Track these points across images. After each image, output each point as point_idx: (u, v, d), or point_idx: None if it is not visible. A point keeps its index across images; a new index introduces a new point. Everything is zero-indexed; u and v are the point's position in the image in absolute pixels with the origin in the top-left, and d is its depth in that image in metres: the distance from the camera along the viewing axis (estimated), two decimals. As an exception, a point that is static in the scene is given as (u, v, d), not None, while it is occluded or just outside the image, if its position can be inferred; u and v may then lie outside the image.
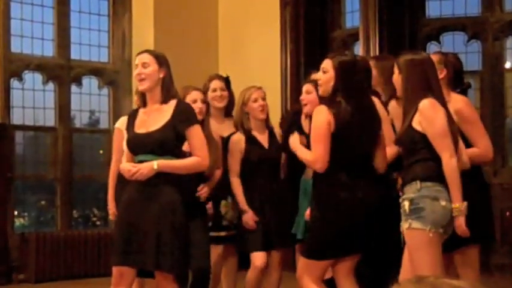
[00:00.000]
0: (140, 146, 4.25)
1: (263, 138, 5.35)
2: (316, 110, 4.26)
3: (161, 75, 4.26)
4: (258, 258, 5.23)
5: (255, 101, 5.30)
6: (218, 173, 5.24)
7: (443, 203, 3.84)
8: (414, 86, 3.97)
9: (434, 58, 4.46)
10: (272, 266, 5.33)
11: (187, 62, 8.22)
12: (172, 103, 4.26)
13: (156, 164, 4.12)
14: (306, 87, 5.11)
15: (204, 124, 5.02)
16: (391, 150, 4.36)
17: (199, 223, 4.97)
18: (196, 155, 4.23)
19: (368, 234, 4.19)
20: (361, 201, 4.13)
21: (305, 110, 5.06)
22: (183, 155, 4.31)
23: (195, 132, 4.25)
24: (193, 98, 5.08)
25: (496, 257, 7.40)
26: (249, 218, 5.20)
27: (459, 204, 3.83)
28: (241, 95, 5.40)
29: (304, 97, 5.08)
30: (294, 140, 4.50)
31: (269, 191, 5.27)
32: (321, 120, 4.14)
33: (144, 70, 4.25)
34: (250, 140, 5.32)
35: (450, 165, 3.83)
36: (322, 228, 4.17)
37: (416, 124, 3.92)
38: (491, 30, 8.40)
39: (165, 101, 4.26)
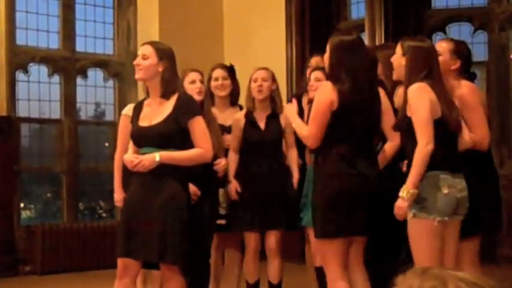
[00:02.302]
0: (143, 138, 4.26)
1: (261, 120, 5.37)
2: (321, 86, 4.26)
3: (160, 69, 4.25)
4: (250, 240, 5.30)
5: (255, 81, 5.36)
6: (233, 156, 5.32)
7: (445, 190, 3.85)
8: (414, 71, 3.97)
9: (448, 46, 4.45)
10: (270, 251, 5.34)
11: (193, 53, 8.21)
12: (175, 96, 4.26)
13: (158, 155, 4.12)
14: (315, 74, 5.11)
15: (204, 105, 5.04)
16: (394, 143, 4.33)
17: (205, 212, 5.00)
18: (199, 146, 4.23)
19: (370, 213, 4.15)
20: (362, 177, 4.10)
21: (312, 95, 5.03)
22: (187, 147, 4.31)
23: (197, 124, 4.25)
24: (192, 79, 5.14)
25: (503, 248, 7.39)
26: (232, 188, 5.27)
27: (411, 189, 3.82)
28: (249, 75, 5.47)
29: (313, 83, 5.04)
30: (291, 109, 4.50)
31: (265, 171, 5.28)
32: (323, 98, 4.13)
33: (142, 62, 4.26)
34: (249, 121, 5.37)
35: (423, 151, 3.82)
36: (324, 204, 4.12)
37: (408, 111, 3.93)
38: (498, 21, 8.36)
39: (164, 95, 4.25)
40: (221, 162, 5.16)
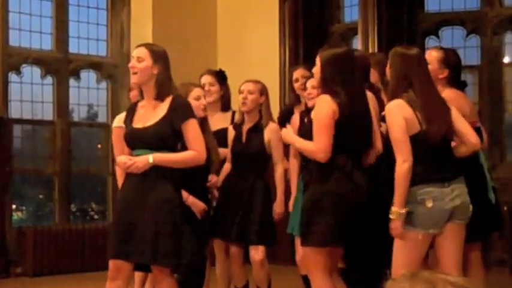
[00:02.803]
0: (137, 140, 4.26)
1: (243, 132, 5.36)
2: (319, 99, 4.24)
3: (155, 72, 4.25)
4: (232, 248, 5.32)
5: (241, 92, 5.34)
6: (226, 166, 5.30)
7: (429, 204, 3.88)
8: (397, 82, 4.01)
9: (437, 55, 4.47)
10: (254, 264, 5.28)
11: (186, 56, 8.21)
12: (169, 99, 4.25)
13: (151, 157, 4.12)
14: (311, 82, 5.10)
15: (204, 120, 5.04)
16: (374, 150, 4.35)
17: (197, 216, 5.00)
18: (192, 148, 4.23)
19: (361, 221, 4.15)
20: (359, 189, 4.12)
21: (311, 104, 5.02)
22: (180, 150, 4.31)
23: (191, 127, 4.24)
24: (197, 95, 5.08)
25: (494, 252, 7.40)
26: (212, 196, 5.27)
27: (398, 209, 3.86)
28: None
29: (310, 91, 5.02)
30: (288, 133, 4.49)
31: (245, 184, 5.25)
32: (325, 109, 4.12)
33: (137, 64, 4.25)
34: (236, 132, 5.38)
35: (401, 170, 3.87)
36: (316, 210, 4.12)
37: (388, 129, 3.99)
38: (490, 25, 8.39)
39: (158, 97, 4.25)
40: (213, 179, 5.15)
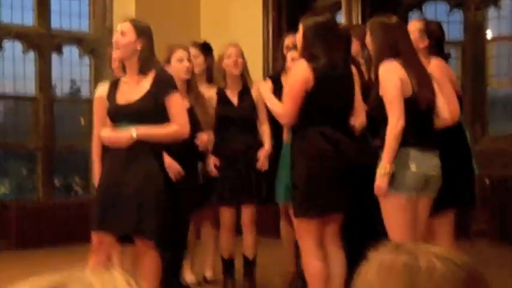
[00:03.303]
0: (121, 116, 4.25)
1: (234, 96, 5.38)
2: (295, 64, 4.28)
3: (138, 47, 4.23)
4: (226, 215, 5.33)
5: (229, 57, 5.34)
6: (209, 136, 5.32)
7: (413, 167, 3.90)
8: (382, 51, 4.01)
9: (417, 25, 4.49)
10: (245, 226, 5.37)
11: (169, 30, 8.15)
12: (152, 74, 4.24)
13: (134, 131, 4.11)
14: (291, 54, 5.12)
15: (191, 82, 5.05)
16: (360, 119, 4.38)
17: (185, 186, 5.03)
18: (176, 122, 4.23)
19: (349, 190, 4.19)
20: (343, 154, 4.14)
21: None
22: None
23: (175, 101, 4.24)
24: (180, 56, 5.11)
25: (475, 223, 7.48)
26: (210, 163, 5.28)
27: (388, 165, 3.86)
28: (220, 51, 5.45)
29: (290, 64, 5.05)
30: (265, 87, 4.51)
31: (239, 147, 5.30)
32: (298, 76, 4.15)
33: (120, 39, 4.23)
34: (221, 98, 5.38)
35: (394, 128, 3.87)
36: (306, 182, 4.15)
37: (380, 90, 3.97)
38: (474, 0, 8.39)
39: (142, 72, 4.24)
40: (202, 137, 5.16)
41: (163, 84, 4.24)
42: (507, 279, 4.98)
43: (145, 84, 4.23)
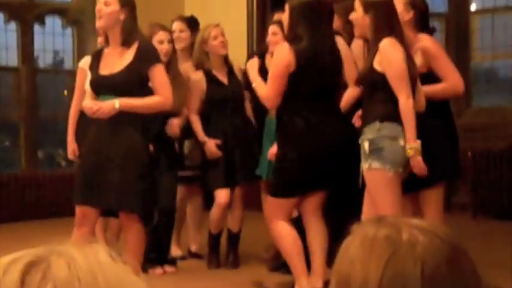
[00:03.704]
0: (103, 87, 4.23)
1: (223, 76, 5.37)
2: (278, 47, 4.30)
3: (121, 17, 4.20)
4: (221, 195, 5.29)
5: (215, 38, 5.31)
6: (186, 111, 5.28)
7: (402, 142, 3.90)
8: (380, 27, 3.99)
9: None
10: (234, 203, 5.39)
11: (153, 5, 8.10)
12: (135, 45, 4.22)
13: (117, 102, 4.09)
14: (272, 28, 5.15)
15: (171, 64, 5.03)
16: (353, 91, 4.40)
17: (165, 163, 5.03)
18: (159, 94, 4.21)
19: (332, 170, 4.23)
20: (324, 136, 4.16)
21: (271, 49, 5.06)
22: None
23: (158, 72, 4.22)
24: (160, 39, 5.10)
25: (457, 196, 7.54)
26: (211, 146, 5.24)
27: (415, 144, 3.86)
28: (200, 34, 5.41)
29: (270, 38, 5.11)
30: (252, 66, 4.51)
31: (232, 127, 5.31)
32: (280, 59, 4.18)
33: (103, 8, 4.20)
34: (211, 79, 5.35)
35: (406, 105, 3.85)
36: (287, 165, 4.21)
37: (376, 64, 3.95)
38: (458, -28, 8.38)
39: (125, 43, 4.21)
40: (173, 121, 5.13)
41: (147, 56, 4.22)
42: (489, 253, 5.03)
43: (129, 55, 4.21)
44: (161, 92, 4.22)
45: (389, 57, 3.92)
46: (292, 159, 4.19)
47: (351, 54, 4.46)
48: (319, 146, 4.17)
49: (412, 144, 3.86)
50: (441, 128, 4.36)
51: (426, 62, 4.24)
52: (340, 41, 4.39)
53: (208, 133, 5.30)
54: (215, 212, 5.37)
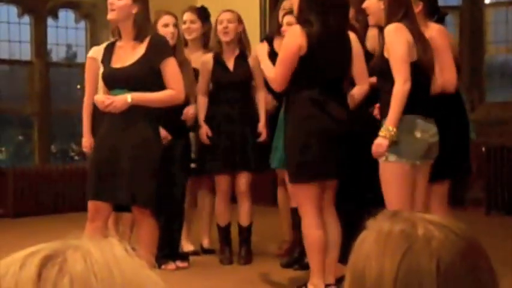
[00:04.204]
0: (115, 80, 4.23)
1: (230, 61, 5.38)
2: (290, 30, 4.29)
3: (134, 11, 4.20)
4: (219, 181, 5.34)
5: (220, 23, 5.35)
6: (201, 99, 5.34)
7: (418, 134, 3.88)
8: (393, 11, 3.96)
9: None
10: (240, 194, 5.38)
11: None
12: (147, 39, 4.22)
13: (130, 96, 4.10)
14: (287, 18, 5.13)
15: (176, 48, 5.04)
16: (360, 89, 4.36)
17: (178, 154, 5.05)
18: (171, 88, 4.21)
19: (342, 155, 4.19)
20: (333, 119, 4.13)
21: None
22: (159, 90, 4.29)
23: (170, 65, 4.23)
24: (165, 22, 5.15)
25: (470, 192, 7.51)
26: (202, 132, 5.30)
27: (391, 127, 3.81)
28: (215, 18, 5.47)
29: (285, 28, 5.05)
30: (262, 50, 4.51)
31: (234, 113, 5.31)
32: (291, 42, 4.16)
33: (116, 1, 4.20)
34: (218, 63, 5.38)
35: (401, 90, 3.81)
36: (298, 147, 4.16)
37: (385, 51, 3.93)
38: (472, -35, 8.33)
39: (137, 38, 4.21)
40: (189, 111, 5.18)
41: (159, 49, 4.23)
42: (501, 250, 5.00)
43: (141, 49, 4.21)
44: (173, 86, 4.22)
45: (390, 41, 3.90)
46: (301, 139, 4.14)
47: (362, 52, 4.43)
48: (325, 124, 4.12)
49: (389, 127, 3.80)
50: (452, 123, 4.33)
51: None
52: (352, 37, 4.37)
53: (209, 116, 5.34)
54: (218, 201, 5.42)
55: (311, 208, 4.16)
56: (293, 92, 4.22)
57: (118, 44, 4.34)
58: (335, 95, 4.21)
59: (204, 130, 5.31)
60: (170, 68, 4.23)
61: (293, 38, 4.16)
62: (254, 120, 5.38)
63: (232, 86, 5.35)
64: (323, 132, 4.11)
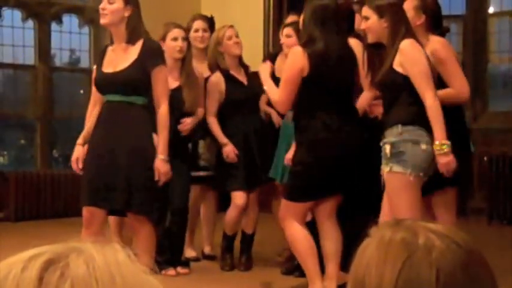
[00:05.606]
0: (107, 85, 4.21)
1: (241, 76, 5.37)
2: (291, 51, 4.30)
3: (126, 14, 4.19)
4: (239, 197, 5.28)
5: (230, 38, 5.31)
6: (201, 111, 5.28)
7: (423, 146, 3.87)
8: (397, 29, 3.96)
9: (412, 3, 4.42)
10: (250, 204, 5.38)
11: (169, 4, 8.11)
12: (140, 42, 4.20)
13: (160, 156, 4.15)
14: (286, 30, 5.15)
15: (185, 61, 5.03)
16: (368, 94, 4.37)
17: (178, 163, 5.01)
18: (160, 102, 4.21)
19: (349, 175, 4.23)
20: (341, 140, 4.16)
21: (285, 51, 5.07)
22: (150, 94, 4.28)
23: (162, 75, 4.23)
24: (174, 36, 5.09)
25: (473, 201, 7.50)
26: (230, 150, 5.24)
27: (445, 141, 3.80)
28: (214, 35, 5.41)
29: (284, 40, 5.11)
30: (264, 70, 4.51)
31: (252, 128, 5.30)
32: (293, 63, 4.18)
33: (108, 5, 4.19)
34: (230, 80, 5.33)
35: (435, 104, 3.81)
36: (303, 169, 4.20)
37: (397, 66, 3.91)
38: (476, -26, 8.34)
39: (130, 40, 4.20)
40: (186, 122, 5.13)
41: (152, 54, 4.21)
42: (503, 259, 4.99)
43: (133, 52, 4.19)
44: (161, 99, 4.22)
45: (412, 57, 3.88)
46: (309, 164, 4.19)
47: (366, 55, 4.43)
48: (336, 150, 4.16)
49: (444, 141, 3.80)
50: (456, 133, 4.32)
51: (435, 65, 4.18)
52: (355, 44, 4.37)
53: (228, 134, 5.28)
54: (232, 213, 5.35)
55: (296, 220, 4.26)
56: (301, 112, 4.25)
57: (110, 48, 4.33)
58: (344, 113, 4.23)
59: (231, 148, 5.25)
60: (162, 77, 4.23)
61: (295, 60, 4.19)
62: (266, 133, 5.37)
63: (247, 101, 5.33)
64: (332, 159, 4.17)
